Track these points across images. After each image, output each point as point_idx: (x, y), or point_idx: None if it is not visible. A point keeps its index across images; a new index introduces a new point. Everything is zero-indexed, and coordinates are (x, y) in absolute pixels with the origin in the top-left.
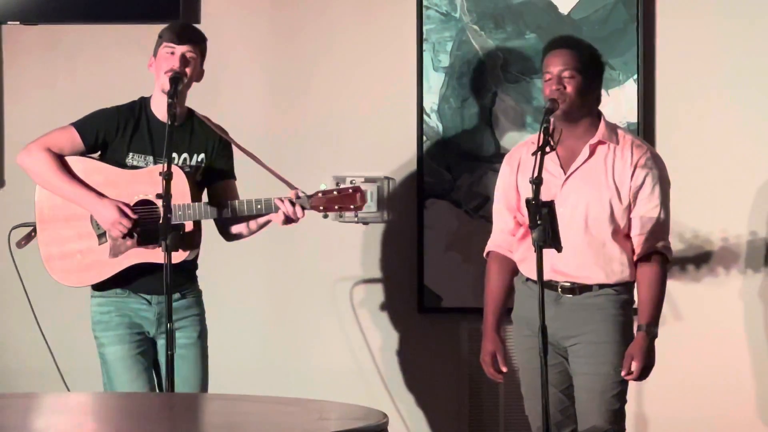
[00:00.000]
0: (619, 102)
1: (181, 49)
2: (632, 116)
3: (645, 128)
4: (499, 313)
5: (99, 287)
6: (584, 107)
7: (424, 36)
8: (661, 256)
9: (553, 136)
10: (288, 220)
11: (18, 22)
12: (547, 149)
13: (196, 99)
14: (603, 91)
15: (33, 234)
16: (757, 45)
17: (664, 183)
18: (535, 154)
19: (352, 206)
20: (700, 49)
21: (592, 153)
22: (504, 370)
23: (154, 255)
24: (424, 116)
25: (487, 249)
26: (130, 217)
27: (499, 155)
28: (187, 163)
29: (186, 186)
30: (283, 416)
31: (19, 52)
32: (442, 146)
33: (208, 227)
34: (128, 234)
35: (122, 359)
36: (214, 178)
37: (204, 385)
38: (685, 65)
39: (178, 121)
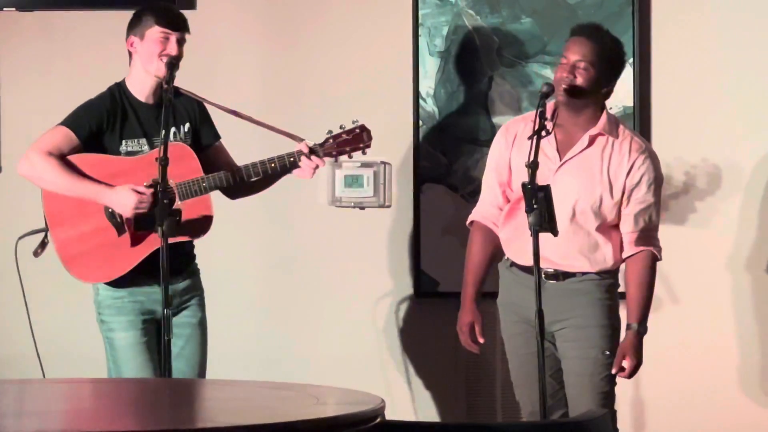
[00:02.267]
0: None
1: (176, 34)
2: (628, 100)
3: (641, 112)
4: (479, 284)
5: (118, 282)
6: (590, 99)
7: (420, 20)
8: (651, 255)
9: (553, 117)
10: (312, 171)
11: (13, 9)
12: (543, 133)
13: (190, 86)
14: None
15: (47, 240)
16: (753, 28)
17: (659, 182)
18: (531, 138)
19: (361, 145)
20: (695, 33)
21: (590, 143)
22: (481, 341)
23: (184, 233)
24: (420, 101)
25: (471, 218)
26: (146, 193)
27: None
28: (179, 136)
29: (197, 162)
30: (280, 401)
31: (14, 39)
32: (438, 131)
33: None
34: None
35: (131, 346)
36: (203, 143)
37: (204, 364)
38: (681, 49)
39: (156, 98)
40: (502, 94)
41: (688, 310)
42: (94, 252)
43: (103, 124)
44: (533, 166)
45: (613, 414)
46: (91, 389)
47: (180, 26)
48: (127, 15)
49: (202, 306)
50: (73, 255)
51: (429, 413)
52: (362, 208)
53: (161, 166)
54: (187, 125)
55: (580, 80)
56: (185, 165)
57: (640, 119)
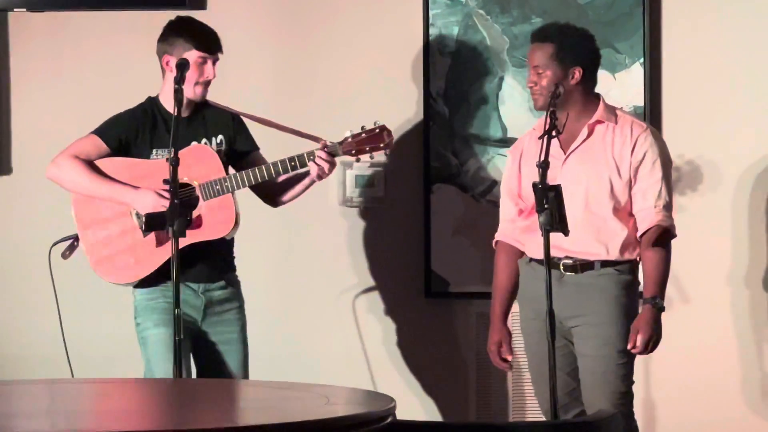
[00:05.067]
0: (625, 86)
1: (212, 57)
2: (638, 100)
3: (651, 112)
4: (507, 303)
5: (147, 283)
6: (567, 95)
7: (431, 21)
8: (664, 230)
9: (559, 119)
10: (322, 172)
11: (24, 9)
12: (554, 133)
13: None
14: (609, 75)
15: (76, 243)
16: (764, 28)
17: (665, 159)
18: (541, 138)
19: (381, 145)
20: (706, 33)
21: (590, 133)
22: (509, 358)
23: (201, 234)
24: (431, 101)
25: (495, 238)
26: (167, 196)
27: (505, 139)
28: (209, 147)
29: (218, 162)
30: (291, 401)
31: (25, 39)
32: (449, 131)
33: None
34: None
35: (163, 342)
36: (239, 154)
37: (246, 375)
38: (692, 49)
39: (191, 111)
40: (513, 94)
41: (698, 309)
42: (121, 253)
43: (133, 134)
44: (544, 166)
45: (630, 414)
46: (93, 389)
47: (216, 49)
48: (137, 15)
49: (239, 319)
50: (102, 258)
51: (439, 413)
52: (373, 208)
53: (172, 166)
54: (220, 137)
55: (544, 82)
56: (207, 165)
57: (651, 119)
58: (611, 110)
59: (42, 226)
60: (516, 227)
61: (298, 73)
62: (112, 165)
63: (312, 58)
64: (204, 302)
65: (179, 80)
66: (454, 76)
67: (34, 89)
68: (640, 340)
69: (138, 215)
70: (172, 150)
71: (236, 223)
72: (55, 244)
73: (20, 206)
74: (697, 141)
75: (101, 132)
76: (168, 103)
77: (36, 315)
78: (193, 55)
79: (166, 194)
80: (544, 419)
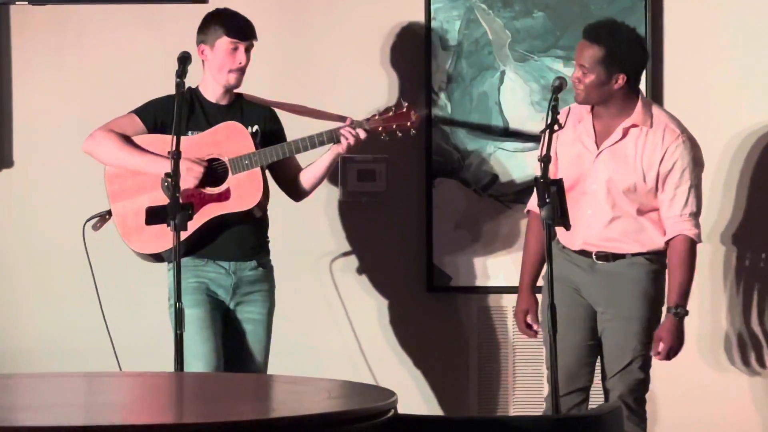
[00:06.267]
0: None
1: (244, 44)
2: None
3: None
4: (535, 272)
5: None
6: (606, 96)
7: (432, 15)
8: (687, 239)
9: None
10: (349, 145)
11: (26, 3)
12: (555, 127)
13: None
14: None
15: (108, 216)
16: (764, 18)
17: (696, 167)
18: (543, 132)
19: (408, 123)
20: (708, 27)
21: (624, 135)
22: (535, 327)
23: (228, 206)
24: (432, 95)
25: (527, 207)
26: (200, 163)
27: (507, 134)
28: None
29: (249, 139)
30: (293, 395)
31: (27, 33)
32: (451, 125)
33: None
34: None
35: (194, 321)
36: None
37: (266, 360)
38: (694, 43)
39: (229, 100)
40: (514, 89)
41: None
42: (154, 228)
43: (170, 116)
44: (545, 160)
45: (644, 399)
46: (89, 382)
47: (248, 35)
48: (139, 8)
49: (266, 301)
50: (131, 228)
51: (441, 407)
52: (375, 202)
53: (173, 159)
54: (256, 127)
55: (586, 81)
56: (237, 141)
57: None
58: (648, 111)
59: (43, 219)
60: None
61: (299, 67)
62: (147, 140)
63: (312, 50)
64: (234, 282)
65: (180, 74)
66: (456, 71)
67: (35, 83)
68: (662, 348)
69: (167, 187)
70: (174, 144)
71: (265, 196)
72: (88, 220)
73: (22, 199)
74: (699, 134)
75: (139, 111)
76: (207, 92)
77: (37, 307)
78: (224, 42)
79: (199, 165)
80: (544, 405)
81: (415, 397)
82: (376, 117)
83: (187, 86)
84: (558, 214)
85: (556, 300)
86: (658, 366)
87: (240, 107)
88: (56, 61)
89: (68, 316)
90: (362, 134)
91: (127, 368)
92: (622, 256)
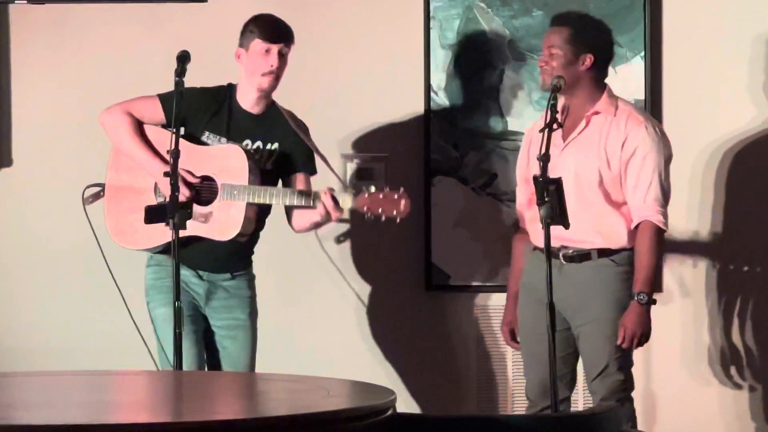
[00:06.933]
0: (626, 79)
1: (277, 46)
2: (639, 93)
3: (652, 105)
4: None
5: (154, 260)
6: (573, 78)
7: (431, 13)
8: (653, 225)
9: (561, 112)
10: (327, 215)
11: (25, 2)
12: (555, 126)
13: (203, 76)
14: (610, 69)
15: (102, 194)
16: (764, 21)
17: (659, 155)
18: (542, 131)
19: (395, 211)
20: (707, 26)
21: (588, 123)
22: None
23: (209, 230)
24: (431, 93)
25: (516, 218)
26: (190, 187)
27: (506, 132)
28: (260, 149)
29: (246, 169)
30: (291, 393)
31: (26, 32)
32: (449, 123)
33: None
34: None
35: (171, 320)
36: (287, 169)
37: (252, 367)
38: (693, 42)
39: (260, 109)
40: (513, 87)
41: (699, 303)
42: (136, 224)
43: (192, 112)
44: (545, 159)
45: (630, 399)
46: (90, 382)
47: (281, 38)
48: (138, 7)
49: (248, 308)
50: (119, 226)
51: (440, 406)
52: None
53: (172, 158)
54: (276, 145)
55: (554, 63)
56: (235, 169)
57: (651, 112)
58: (613, 102)
59: (43, 219)
60: (527, 214)
61: (299, 66)
62: (158, 136)
63: (312, 50)
64: (206, 288)
65: (180, 73)
66: (455, 69)
67: (35, 82)
68: (625, 336)
69: (158, 192)
70: (173, 142)
71: (240, 234)
72: (88, 186)
73: (21, 198)
74: (697, 134)
75: (165, 100)
76: (241, 97)
77: (37, 306)
78: (257, 45)
79: (188, 189)
80: (528, 404)
81: (415, 395)
82: (366, 195)
83: (227, 83)
84: (557, 212)
85: (525, 315)
86: (640, 380)
87: (269, 121)
88: (55, 60)
89: (68, 316)
90: (343, 214)
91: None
92: (588, 255)
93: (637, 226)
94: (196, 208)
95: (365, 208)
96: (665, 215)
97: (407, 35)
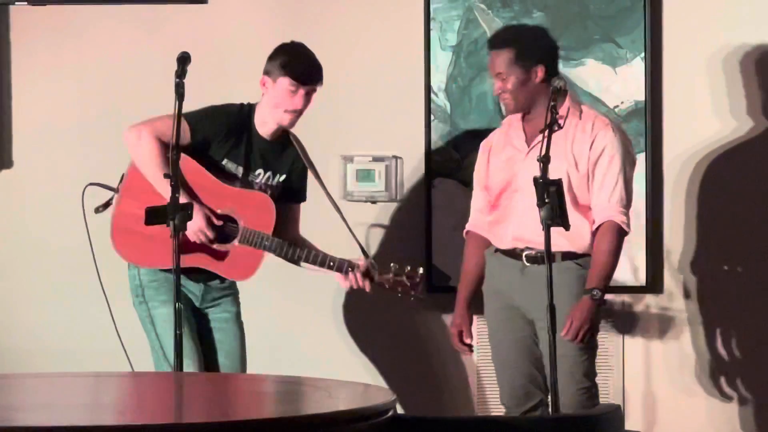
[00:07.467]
0: (626, 80)
1: (306, 88)
2: (639, 95)
3: (652, 107)
4: (472, 289)
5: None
6: (532, 94)
7: (432, 15)
8: (614, 225)
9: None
10: (349, 287)
11: (26, 3)
12: (555, 127)
13: (203, 81)
14: (610, 70)
15: (111, 202)
16: (764, 22)
17: (625, 156)
18: (542, 131)
19: (412, 291)
20: (707, 27)
21: None
22: (468, 342)
23: (219, 267)
24: (432, 95)
25: (466, 228)
26: (214, 228)
27: None
28: (270, 182)
29: (272, 220)
30: (291, 395)
31: (27, 33)
32: (450, 125)
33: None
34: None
35: (171, 320)
36: (285, 198)
37: (244, 357)
38: (693, 43)
39: (275, 137)
40: None
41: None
42: (143, 236)
43: (217, 138)
44: (545, 160)
45: (596, 405)
46: (92, 384)
47: (312, 81)
48: (139, 9)
49: (236, 303)
50: (124, 230)
51: (440, 407)
52: (374, 202)
53: (173, 160)
54: (283, 177)
55: (508, 87)
56: (261, 217)
57: (652, 114)
58: (576, 106)
59: (43, 219)
60: (485, 219)
61: None
62: (183, 165)
63: (312, 51)
64: (201, 289)
65: (180, 74)
66: (455, 71)
67: (35, 83)
68: (571, 328)
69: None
70: (173, 141)
71: (249, 271)
72: (90, 184)
73: (21, 200)
74: (697, 136)
75: (194, 121)
76: (258, 122)
77: (37, 307)
78: (285, 82)
79: (213, 222)
80: (504, 410)
81: (415, 397)
82: (390, 275)
83: (247, 102)
84: (557, 213)
85: (492, 321)
86: (632, 393)
87: (280, 149)
88: (55, 61)
89: (67, 316)
90: (367, 287)
91: (128, 367)
92: (552, 257)
93: (599, 227)
94: (216, 245)
95: (386, 286)
96: (628, 217)
97: (407, 36)
